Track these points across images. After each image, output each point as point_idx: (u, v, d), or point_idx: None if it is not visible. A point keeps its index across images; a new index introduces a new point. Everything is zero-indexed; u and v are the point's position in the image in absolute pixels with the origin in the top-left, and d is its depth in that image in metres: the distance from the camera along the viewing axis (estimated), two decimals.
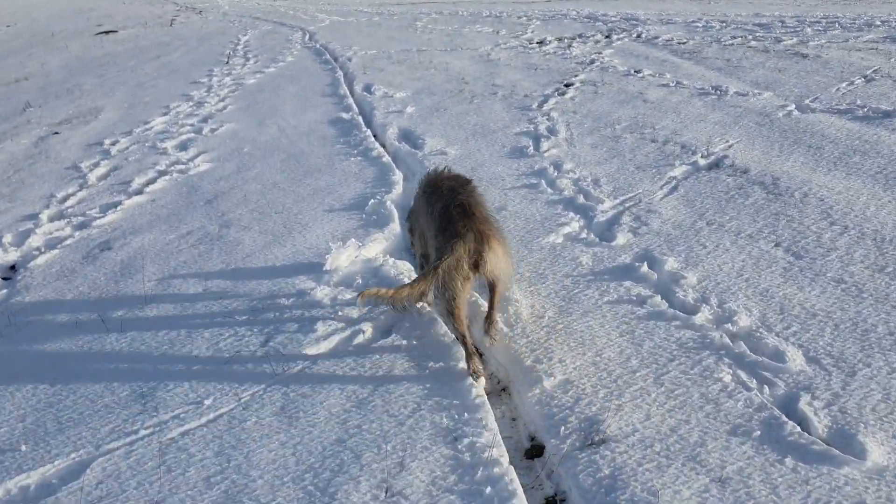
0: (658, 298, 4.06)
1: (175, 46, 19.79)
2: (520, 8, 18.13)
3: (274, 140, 8.60)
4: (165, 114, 10.98)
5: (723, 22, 13.94)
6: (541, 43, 13.22)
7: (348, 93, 10.69)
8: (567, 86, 9.39)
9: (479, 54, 12.61)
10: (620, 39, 12.75)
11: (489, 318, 3.64)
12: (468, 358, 3.52)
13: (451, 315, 3.40)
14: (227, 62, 15.34)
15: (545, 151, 6.85)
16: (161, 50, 19.43)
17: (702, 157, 6.19)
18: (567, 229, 5.07)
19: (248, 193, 6.79)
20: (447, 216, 3.41)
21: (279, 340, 4.13)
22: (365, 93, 10.52)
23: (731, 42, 11.72)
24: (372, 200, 6.05)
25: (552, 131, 7.45)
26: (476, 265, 3.28)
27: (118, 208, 7.00)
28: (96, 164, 8.66)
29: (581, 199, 5.57)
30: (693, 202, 5.30)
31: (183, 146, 9.04)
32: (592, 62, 10.84)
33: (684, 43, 11.98)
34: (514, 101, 8.88)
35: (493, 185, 6.12)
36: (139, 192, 7.46)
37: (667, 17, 14.98)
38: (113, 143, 9.59)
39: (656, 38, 12.65)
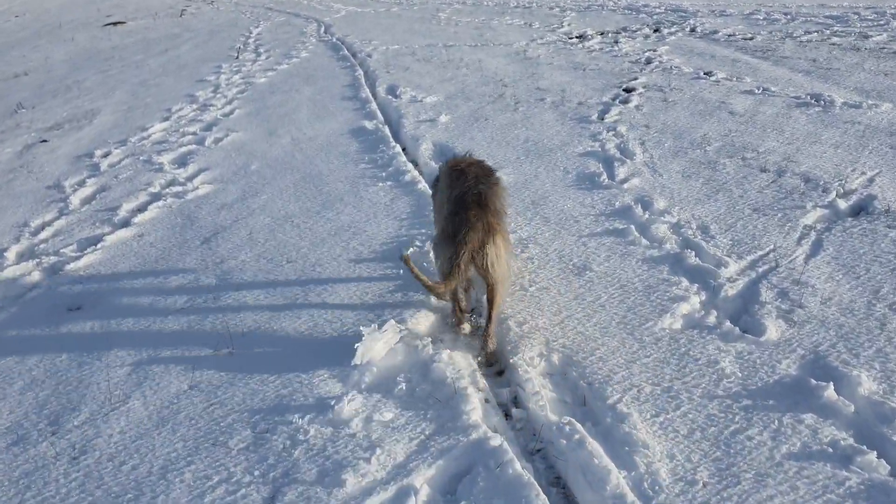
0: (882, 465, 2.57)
1: (184, 39, 18.36)
2: None
3: (287, 155, 7.17)
4: (166, 118, 9.58)
5: (786, 14, 12.32)
6: (581, 38, 11.69)
7: (370, 96, 9.23)
8: (628, 91, 7.89)
9: (514, 51, 11.10)
10: (673, 34, 11.19)
11: (486, 332, 3.48)
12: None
13: (444, 276, 3.27)
14: (237, 57, 13.91)
15: (623, 181, 5.39)
16: (169, 43, 18.02)
17: (838, 196, 4.70)
18: (684, 307, 3.63)
19: (255, 230, 5.37)
20: (463, 202, 3.28)
21: (290, 500, 2.73)
22: (389, 96, 9.06)
23: (806, 38, 10.13)
24: (411, 249, 4.63)
25: (625, 152, 5.98)
26: (474, 256, 3.19)
27: (99, 245, 5.61)
28: (82, 183, 7.27)
29: (692, 257, 4.11)
30: (853, 268, 3.83)
31: (181, 161, 7.63)
32: (649, 62, 9.31)
33: (751, 38, 10.41)
34: (568, 110, 7.40)
35: (565, 230, 4.68)
36: (126, 222, 6.07)
37: (719, 9, 13.36)
38: (105, 155, 8.20)
39: (715, 32, 11.07)
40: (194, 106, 10.17)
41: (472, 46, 11.77)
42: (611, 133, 6.44)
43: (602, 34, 11.65)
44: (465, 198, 3.27)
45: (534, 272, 4.16)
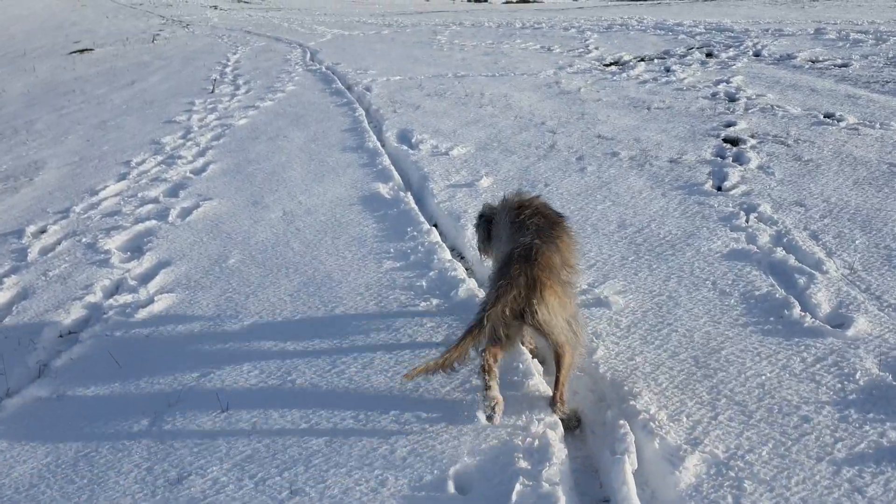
0: None
1: (154, 68, 16.19)
2: (555, 17, 14.67)
3: (278, 241, 5.09)
4: (123, 177, 7.45)
5: (862, 32, 10.41)
6: (619, 64, 9.74)
7: (378, 145, 7.17)
8: (732, 143, 5.88)
9: (543, 82, 9.12)
10: (735, 60, 9.23)
11: (555, 397, 2.91)
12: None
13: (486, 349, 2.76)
14: (213, 91, 11.79)
15: (835, 319, 3.27)
16: (138, 73, 15.83)
17: None
18: None
19: (233, 403, 3.27)
20: (509, 258, 2.82)
21: None
22: (403, 145, 7.02)
23: None
24: (520, 485, 2.55)
25: (798, 253, 3.85)
26: (522, 314, 2.70)
27: None
28: None
29: None
30: None
31: (136, 247, 5.51)
32: (733, 98, 7.28)
33: (845, 65, 8.46)
34: (661, 172, 5.37)
35: (796, 445, 2.63)
36: (37, 375, 3.95)
37: (773, 28, 11.41)
38: (39, 233, 6.09)
39: (790, 57, 9.07)
40: (159, 157, 8.05)
41: (489, 77, 9.76)
42: (753, 216, 4.36)
43: (643, 59, 9.71)
44: (513, 252, 2.85)
45: None
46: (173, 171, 7.39)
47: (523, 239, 2.88)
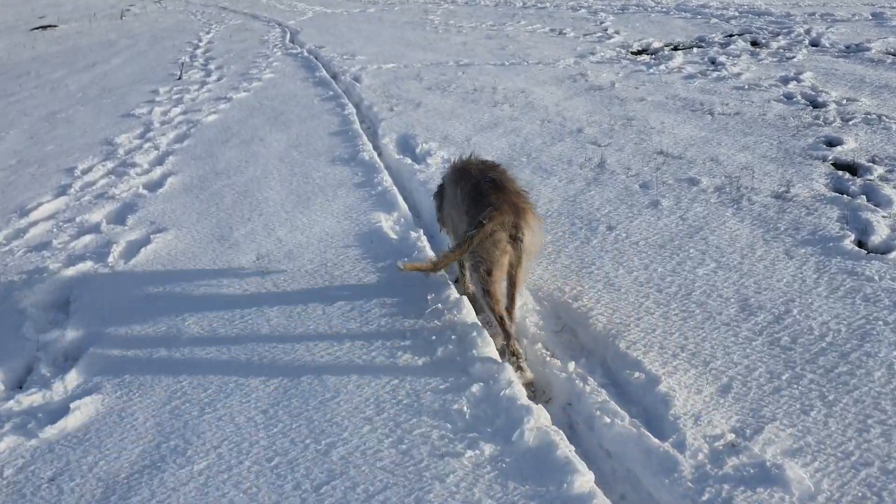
0: None
1: (119, 48, 14.46)
2: None
3: (249, 305, 3.66)
4: (63, 191, 5.95)
5: None
6: (649, 53, 8.31)
7: (376, 157, 5.72)
8: (851, 171, 4.38)
9: (564, 73, 7.67)
10: (789, 50, 7.77)
11: (510, 307, 3.00)
12: (506, 339, 2.89)
13: (486, 293, 2.89)
14: (180, 77, 10.19)
15: None
16: (101, 53, 14.10)
17: None
18: None
19: None
20: (478, 191, 2.89)
21: None
22: (405, 156, 5.59)
23: None
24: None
25: None
26: (514, 238, 2.82)
27: None
28: None
29: None
30: None
31: (59, 305, 4.06)
32: (818, 103, 5.74)
33: None
34: (766, 214, 3.88)
35: None
36: None
37: (822, 11, 9.89)
38: None
39: (858, 47, 7.56)
40: (109, 164, 6.54)
41: (498, 66, 8.29)
42: None
43: (677, 48, 8.29)
44: (480, 186, 2.90)
45: None
46: (124, 185, 5.90)
47: (476, 176, 2.93)
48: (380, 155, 5.92)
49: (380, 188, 5.00)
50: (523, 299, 3.29)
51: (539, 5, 13.03)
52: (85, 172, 6.44)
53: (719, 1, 11.45)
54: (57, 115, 9.21)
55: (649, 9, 11.44)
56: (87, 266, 4.41)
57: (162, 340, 3.42)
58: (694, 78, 6.99)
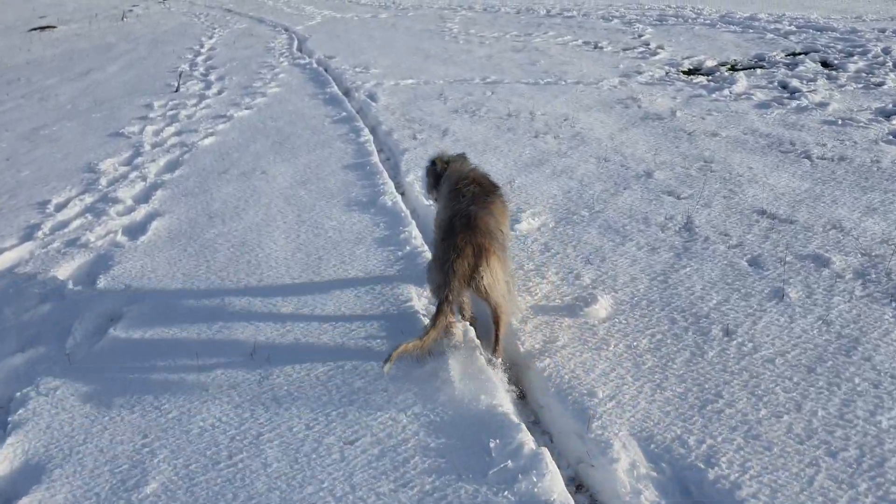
0: None
1: (117, 53, 13.47)
2: (581, 2, 12.08)
3: (250, 431, 2.66)
4: (29, 235, 4.97)
5: None
6: (703, 73, 7.28)
7: (400, 202, 4.70)
8: None
9: (612, 96, 6.65)
10: (873, 74, 6.71)
11: (496, 350, 2.96)
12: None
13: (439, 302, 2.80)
14: (177, 89, 9.19)
15: None
16: (97, 59, 13.12)
17: None
18: None
19: None
20: (451, 227, 2.90)
21: None
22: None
23: None
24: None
25: None
26: (470, 280, 2.81)
27: None
28: None
29: None
30: None
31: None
32: None
33: None
34: None
35: None
36: None
37: (893, 27, 8.83)
38: None
39: None
40: (87, 199, 5.55)
41: (531, 85, 7.27)
42: None
43: (734, 67, 7.25)
44: (454, 222, 2.90)
45: None
46: (101, 229, 4.91)
47: (461, 206, 2.96)
48: (403, 195, 4.91)
49: (407, 248, 4.00)
50: (631, 456, 2.27)
51: (566, 14, 11.98)
52: (59, 209, 5.45)
53: (769, 13, 10.39)
54: (40, 131, 8.23)
55: (690, 20, 10.37)
56: (39, 353, 3.41)
57: (119, 495, 2.41)
58: (769, 107, 5.96)
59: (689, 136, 5.32)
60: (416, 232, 4.15)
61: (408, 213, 4.48)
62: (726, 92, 6.37)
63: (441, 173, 3.46)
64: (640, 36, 9.48)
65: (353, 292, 3.59)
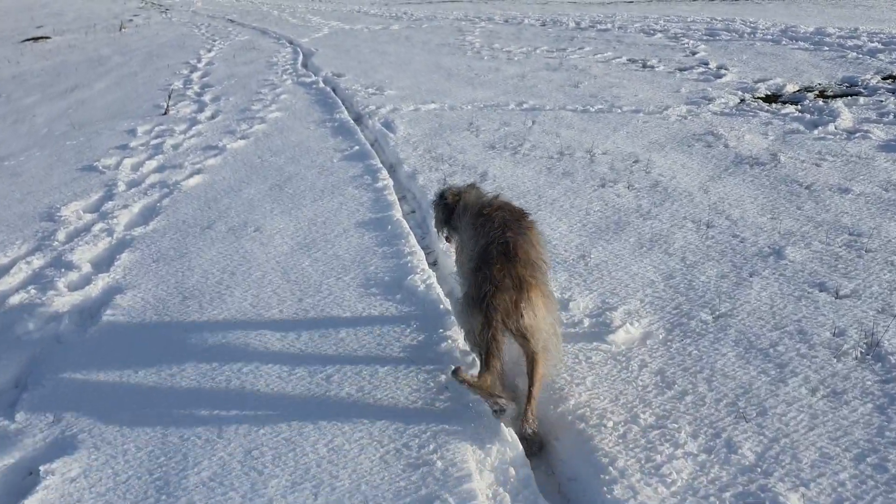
0: None
1: (108, 67, 12.30)
2: (610, 13, 10.86)
3: None
4: None
5: None
6: (786, 101, 6.04)
7: (434, 280, 3.47)
8: None
9: (684, 129, 5.40)
10: None
11: (526, 413, 2.42)
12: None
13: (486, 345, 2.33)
14: (166, 111, 7.99)
15: None
16: (86, 74, 11.94)
17: None
18: None
19: None
20: (486, 255, 2.47)
21: None
22: None
23: None
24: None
25: None
26: (508, 319, 2.37)
27: None
28: None
29: None
30: None
31: None
32: None
33: None
34: None
35: None
36: None
37: None
38: None
39: None
40: (38, 260, 4.35)
41: (580, 113, 6.05)
42: None
43: (824, 94, 6.01)
44: (490, 250, 2.49)
45: None
46: (43, 310, 3.69)
47: (494, 233, 2.57)
48: (434, 265, 3.69)
49: (449, 361, 2.76)
50: None
51: (599, 27, 10.74)
52: (3, 275, 4.24)
53: (837, 27, 9.14)
54: (5, 161, 7.04)
55: (746, 35, 9.11)
56: None
57: None
58: (879, 148, 4.71)
59: (808, 191, 4.07)
60: (460, 340, 2.92)
61: (447, 303, 3.25)
62: (831, 128, 5.13)
63: (453, 207, 3.02)
64: (693, 53, 8.24)
65: (377, 456, 2.35)
